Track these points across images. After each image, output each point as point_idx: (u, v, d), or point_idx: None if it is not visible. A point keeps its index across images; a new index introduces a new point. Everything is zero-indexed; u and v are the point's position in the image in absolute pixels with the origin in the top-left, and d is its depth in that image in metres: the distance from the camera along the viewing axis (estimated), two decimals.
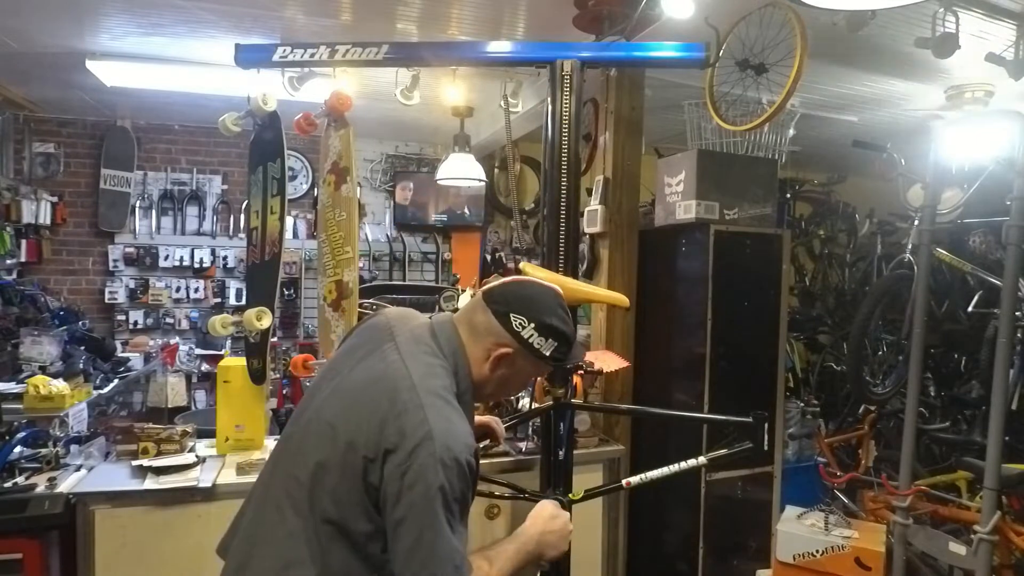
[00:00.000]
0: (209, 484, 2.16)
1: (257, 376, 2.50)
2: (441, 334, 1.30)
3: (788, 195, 5.40)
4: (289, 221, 4.93)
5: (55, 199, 4.87)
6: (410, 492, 1.09)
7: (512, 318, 1.26)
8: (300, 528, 1.15)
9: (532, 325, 1.27)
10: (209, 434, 2.55)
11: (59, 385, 3.21)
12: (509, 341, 1.27)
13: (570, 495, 1.90)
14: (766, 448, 1.85)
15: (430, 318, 1.37)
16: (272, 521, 1.19)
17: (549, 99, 2.38)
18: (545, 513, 1.41)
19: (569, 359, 1.34)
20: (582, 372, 2.14)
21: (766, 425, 1.81)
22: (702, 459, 1.86)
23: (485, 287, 1.35)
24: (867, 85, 3.67)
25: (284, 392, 5.03)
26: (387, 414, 1.14)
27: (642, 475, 1.85)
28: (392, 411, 1.14)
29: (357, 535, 1.15)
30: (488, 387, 1.33)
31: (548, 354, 1.28)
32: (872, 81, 3.60)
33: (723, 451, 1.86)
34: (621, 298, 2.16)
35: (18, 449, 2.25)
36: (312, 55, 2.48)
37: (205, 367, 5.11)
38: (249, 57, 2.52)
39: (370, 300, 2.54)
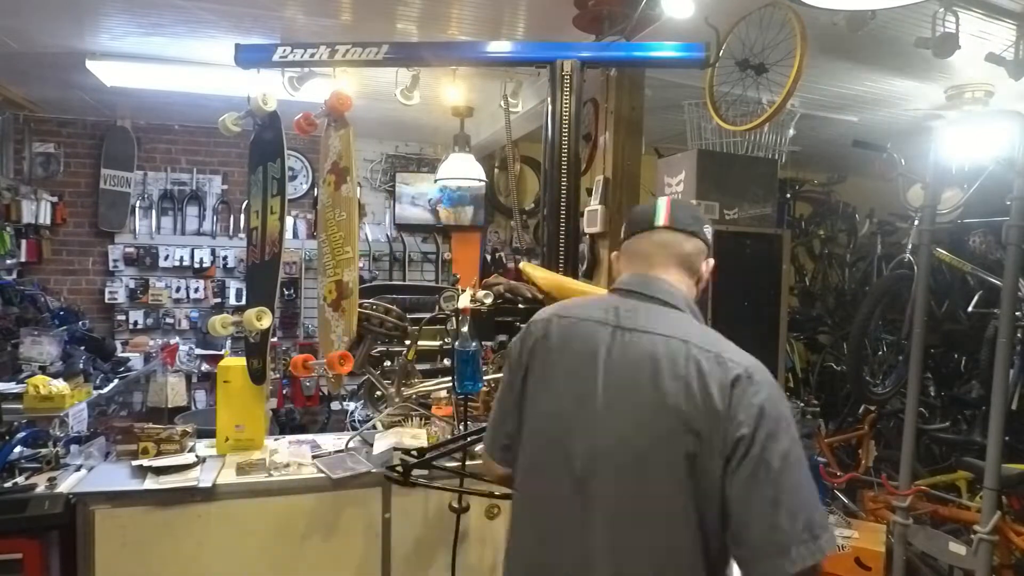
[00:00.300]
0: (209, 484, 2.16)
1: (257, 376, 2.50)
2: (656, 289, 1.21)
3: (788, 195, 5.40)
4: (289, 221, 4.94)
5: (55, 199, 4.87)
6: (774, 440, 1.02)
7: (701, 227, 1.27)
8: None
9: (709, 228, 1.30)
10: (209, 434, 2.55)
11: (59, 385, 3.21)
12: (707, 249, 1.28)
13: None
14: None
15: (611, 291, 1.29)
16: None
17: (549, 99, 2.38)
18: None
19: None
20: None
21: None
22: None
23: (665, 219, 1.25)
24: (867, 85, 3.67)
25: (284, 392, 5.03)
26: (697, 383, 1.07)
27: None
28: (701, 376, 1.08)
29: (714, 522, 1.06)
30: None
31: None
32: (872, 81, 3.60)
33: None
34: None
35: (18, 449, 2.25)
36: (312, 55, 2.48)
37: (205, 367, 5.12)
38: (249, 57, 2.52)
39: (370, 300, 2.54)
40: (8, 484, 2.09)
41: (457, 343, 2.18)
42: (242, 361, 2.53)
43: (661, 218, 1.24)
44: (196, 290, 5.19)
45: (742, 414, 1.04)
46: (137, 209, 5.10)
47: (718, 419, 1.05)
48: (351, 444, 2.49)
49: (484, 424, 2.36)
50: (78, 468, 2.24)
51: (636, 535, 1.09)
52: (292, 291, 5.25)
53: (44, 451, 2.26)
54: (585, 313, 1.23)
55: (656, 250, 1.24)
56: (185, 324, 5.19)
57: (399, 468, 1.96)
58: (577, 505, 1.13)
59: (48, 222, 4.81)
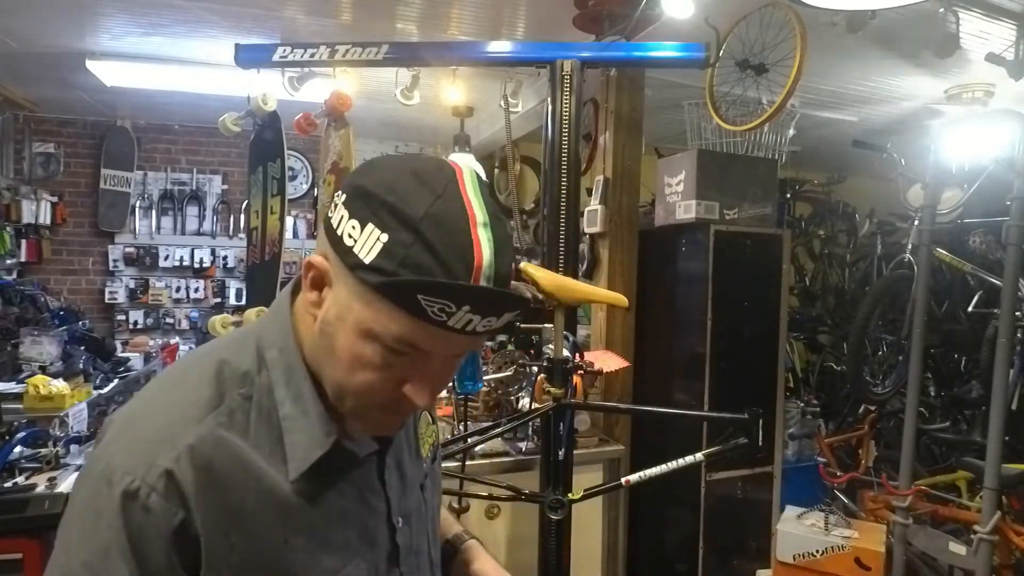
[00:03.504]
0: None
1: None
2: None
3: (788, 195, 5.39)
4: (289, 221, 4.93)
5: (55, 199, 4.87)
6: None
7: (335, 198, 0.67)
8: None
9: (343, 197, 0.66)
10: None
11: (59, 385, 3.21)
12: (323, 245, 0.68)
13: (569, 495, 1.90)
14: (760, 443, 1.85)
15: None
16: None
17: (549, 99, 2.38)
18: None
19: (432, 285, 0.61)
20: (582, 372, 2.14)
21: (760, 421, 1.82)
22: (699, 456, 1.88)
23: None
24: (867, 85, 3.67)
25: None
26: None
27: (641, 473, 1.86)
28: None
29: None
30: (317, 360, 0.71)
31: (368, 260, 0.62)
32: (872, 81, 3.60)
33: (718, 447, 1.88)
34: (620, 298, 2.16)
35: (18, 449, 2.25)
36: (312, 55, 2.48)
37: None
38: (249, 57, 2.53)
39: None
40: (8, 484, 2.09)
41: None
42: None
43: None
44: (196, 290, 5.19)
45: None
46: (137, 209, 5.10)
47: None
48: None
49: (484, 424, 2.36)
50: (78, 468, 2.24)
51: None
52: None
53: (44, 451, 2.26)
54: None
55: None
56: (185, 324, 5.19)
57: None
58: None
59: (48, 222, 4.81)
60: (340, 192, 0.67)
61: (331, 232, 0.66)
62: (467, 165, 0.69)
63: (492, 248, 0.64)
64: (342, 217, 0.65)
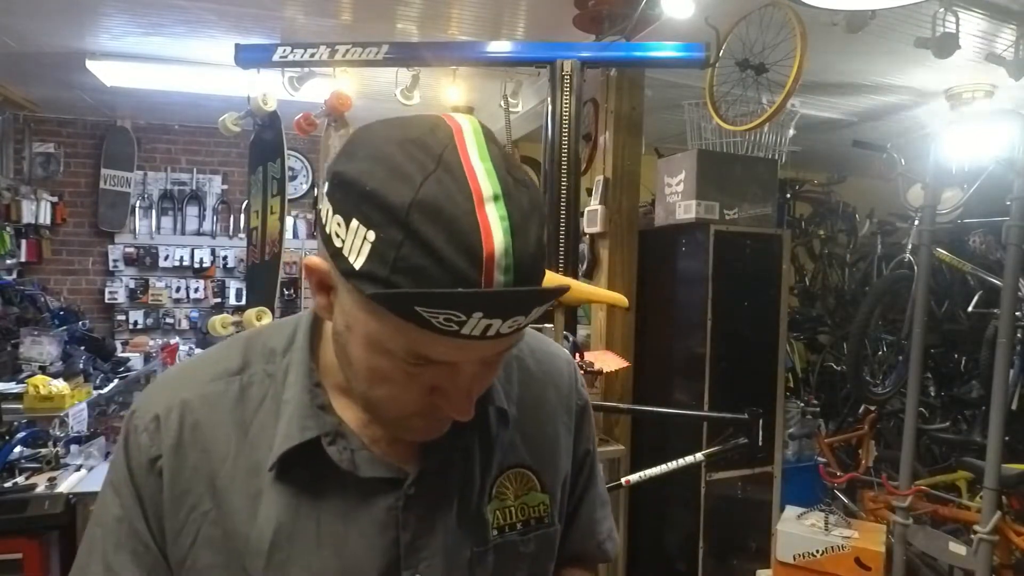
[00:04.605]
0: None
1: None
2: None
3: (788, 195, 5.39)
4: (289, 221, 4.93)
5: (55, 199, 4.87)
6: None
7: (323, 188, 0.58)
8: None
9: (326, 186, 0.56)
10: None
11: (59, 385, 3.21)
12: (320, 244, 0.58)
13: None
14: (760, 443, 1.86)
15: None
16: None
17: (549, 99, 2.38)
18: None
19: (428, 296, 0.48)
20: (582, 372, 2.14)
21: (760, 421, 1.83)
22: (699, 456, 1.88)
23: None
24: (866, 85, 3.67)
25: None
26: None
27: (641, 473, 1.86)
28: None
29: None
30: (343, 368, 0.63)
31: (359, 266, 0.51)
32: (872, 81, 3.60)
33: (718, 447, 1.89)
34: (620, 298, 2.16)
35: (18, 449, 2.25)
36: (312, 55, 2.48)
37: None
38: (249, 57, 2.53)
39: None
40: (8, 484, 2.09)
41: None
42: None
43: None
44: (196, 290, 5.19)
45: None
46: (137, 209, 5.10)
47: None
48: None
49: None
50: (78, 468, 2.24)
51: None
52: (292, 291, 5.24)
53: (44, 451, 2.26)
54: None
55: None
56: (185, 324, 5.19)
57: None
58: None
59: (48, 222, 4.81)
60: (324, 180, 0.57)
61: (321, 230, 0.56)
62: (471, 119, 0.57)
63: (508, 227, 0.50)
64: (327, 211, 0.54)
